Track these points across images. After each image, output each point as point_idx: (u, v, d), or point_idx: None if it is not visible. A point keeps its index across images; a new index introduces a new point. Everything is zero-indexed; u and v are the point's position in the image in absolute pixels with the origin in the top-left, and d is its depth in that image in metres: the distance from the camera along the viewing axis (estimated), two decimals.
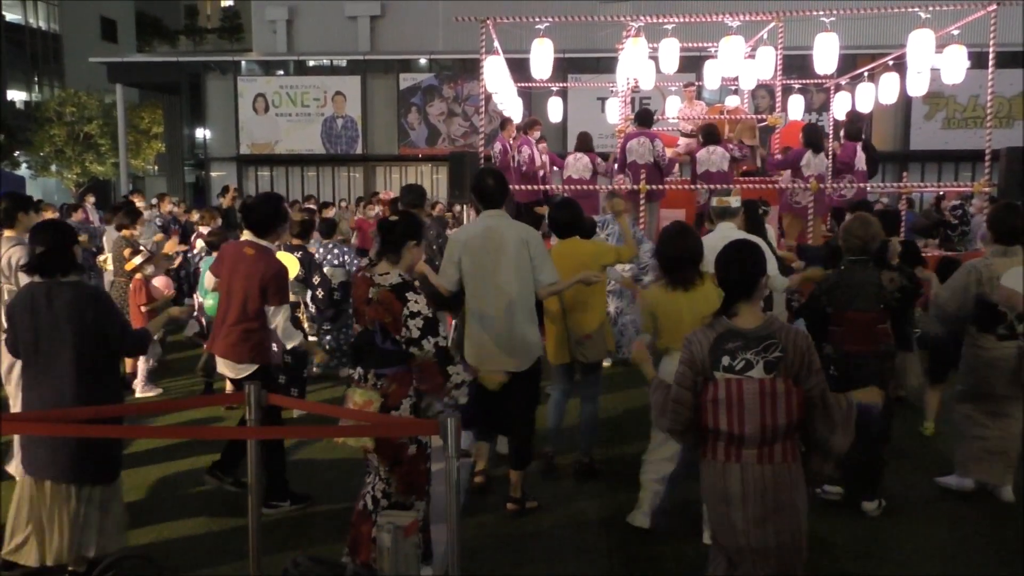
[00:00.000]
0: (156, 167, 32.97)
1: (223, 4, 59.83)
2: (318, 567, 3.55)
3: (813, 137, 9.09)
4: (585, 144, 9.76)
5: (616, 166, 9.53)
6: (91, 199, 14.50)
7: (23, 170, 29.46)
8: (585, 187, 9.47)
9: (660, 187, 9.09)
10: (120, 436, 5.09)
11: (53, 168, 29.32)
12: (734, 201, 5.13)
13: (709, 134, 9.15)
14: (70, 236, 3.65)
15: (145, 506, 4.68)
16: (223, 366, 4.54)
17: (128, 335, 3.67)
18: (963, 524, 4.40)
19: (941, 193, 14.29)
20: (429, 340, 3.33)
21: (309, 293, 6.42)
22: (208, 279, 4.78)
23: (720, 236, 5.01)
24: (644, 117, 9.44)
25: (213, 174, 27.71)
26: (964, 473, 4.68)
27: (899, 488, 4.75)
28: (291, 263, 6.34)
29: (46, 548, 3.50)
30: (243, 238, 4.60)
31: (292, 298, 6.43)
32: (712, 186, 8.43)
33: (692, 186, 9.34)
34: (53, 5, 39.92)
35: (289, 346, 4.69)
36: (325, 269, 7.18)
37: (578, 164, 9.63)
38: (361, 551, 3.51)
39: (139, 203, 12.23)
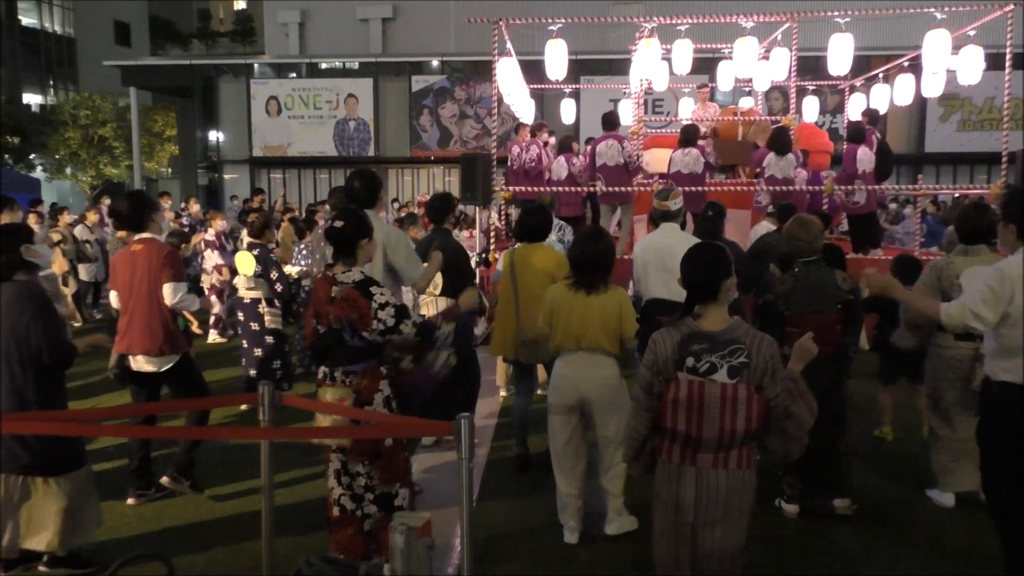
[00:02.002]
0: (169, 169, 33.21)
1: (235, 7, 60.25)
2: (331, 567, 3.53)
3: (778, 140, 9.04)
4: (564, 147, 9.92)
5: (588, 169, 9.61)
6: (106, 201, 14.62)
7: (38, 172, 29.74)
8: (564, 188, 9.52)
9: (630, 189, 9.07)
10: (125, 435, 5.14)
11: (68, 171, 29.56)
12: (673, 204, 5.14)
13: (687, 135, 9.13)
14: (15, 238, 3.72)
15: (155, 503, 4.69)
16: (143, 363, 4.62)
17: (54, 346, 3.64)
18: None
19: (957, 196, 14.20)
20: (406, 323, 3.41)
21: (268, 288, 6.57)
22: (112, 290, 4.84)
23: (662, 236, 5.08)
24: (610, 120, 9.45)
25: (226, 176, 27.89)
26: (946, 487, 4.59)
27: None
28: (247, 261, 6.49)
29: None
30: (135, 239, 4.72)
31: (255, 294, 6.56)
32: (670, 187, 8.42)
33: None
34: (68, 9, 40.27)
35: (193, 309, 4.80)
36: (293, 269, 7.54)
37: (557, 167, 9.83)
38: (353, 553, 3.49)
39: (166, 205, 12.38)
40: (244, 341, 6.76)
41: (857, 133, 9.46)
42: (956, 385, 4.49)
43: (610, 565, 3.92)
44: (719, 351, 2.66)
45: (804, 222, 4.47)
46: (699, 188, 8.78)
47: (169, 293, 4.55)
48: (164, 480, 4.71)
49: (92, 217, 12.07)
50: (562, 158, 9.83)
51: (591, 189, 9.52)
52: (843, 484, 4.42)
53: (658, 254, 5.00)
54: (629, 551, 4.04)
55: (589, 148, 9.60)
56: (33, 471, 3.67)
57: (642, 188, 9.13)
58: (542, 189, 9.52)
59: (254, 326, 6.65)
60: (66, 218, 11.67)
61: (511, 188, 9.50)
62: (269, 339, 6.63)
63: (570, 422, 4.13)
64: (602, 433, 4.09)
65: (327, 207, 11.37)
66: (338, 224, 3.50)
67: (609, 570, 3.88)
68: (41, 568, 3.79)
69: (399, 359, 3.54)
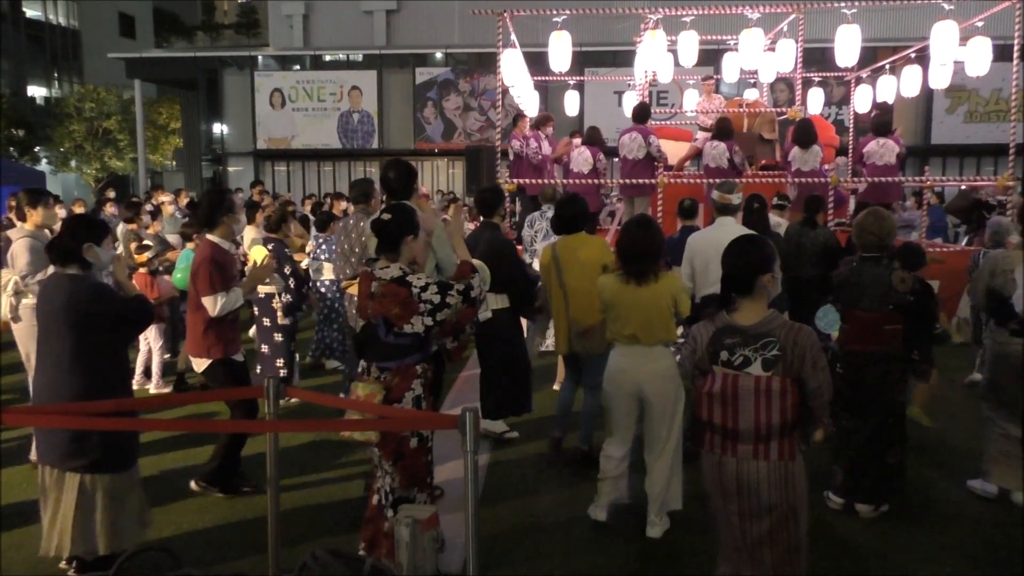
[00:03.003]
0: (174, 162, 33.19)
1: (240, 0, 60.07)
2: (336, 560, 3.52)
3: (802, 133, 8.99)
4: (592, 138, 9.52)
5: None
6: (111, 193, 14.64)
7: (43, 165, 29.75)
8: (583, 181, 9.20)
9: (650, 182, 9.00)
10: (127, 429, 5.14)
11: (73, 163, 29.56)
12: (736, 198, 5.07)
13: (720, 130, 9.08)
14: (81, 230, 3.64)
15: (163, 499, 4.69)
16: (191, 358, 4.71)
17: (130, 309, 3.69)
18: (976, 527, 4.28)
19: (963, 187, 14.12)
20: (451, 294, 3.38)
21: (283, 283, 6.45)
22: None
23: (717, 230, 5.02)
24: (636, 112, 9.26)
25: (230, 169, 27.89)
26: (989, 477, 4.58)
27: (919, 487, 4.69)
28: (260, 255, 6.35)
29: (51, 537, 3.53)
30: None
31: (269, 289, 6.45)
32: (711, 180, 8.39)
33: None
34: (72, 2, 40.22)
35: (238, 305, 4.59)
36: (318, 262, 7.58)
37: (579, 158, 9.37)
38: (377, 548, 3.49)
39: (163, 198, 12.36)
40: (265, 320, 6.65)
41: (879, 126, 9.31)
42: (1012, 379, 4.44)
43: (613, 561, 3.92)
44: (751, 344, 2.68)
45: (881, 216, 4.34)
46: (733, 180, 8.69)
47: (210, 306, 4.38)
48: (193, 485, 4.68)
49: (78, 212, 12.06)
50: (586, 150, 9.36)
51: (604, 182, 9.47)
52: (879, 493, 4.32)
53: (715, 250, 4.96)
54: (633, 549, 4.03)
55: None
56: (96, 468, 3.53)
57: (646, 181, 9.08)
58: (547, 181, 9.47)
59: (266, 322, 6.55)
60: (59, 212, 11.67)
61: (514, 180, 9.47)
62: (277, 336, 6.56)
63: (632, 409, 4.08)
64: (649, 425, 4.05)
65: (332, 200, 11.35)
66: (385, 216, 3.47)
67: (613, 566, 3.88)
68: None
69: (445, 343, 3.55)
